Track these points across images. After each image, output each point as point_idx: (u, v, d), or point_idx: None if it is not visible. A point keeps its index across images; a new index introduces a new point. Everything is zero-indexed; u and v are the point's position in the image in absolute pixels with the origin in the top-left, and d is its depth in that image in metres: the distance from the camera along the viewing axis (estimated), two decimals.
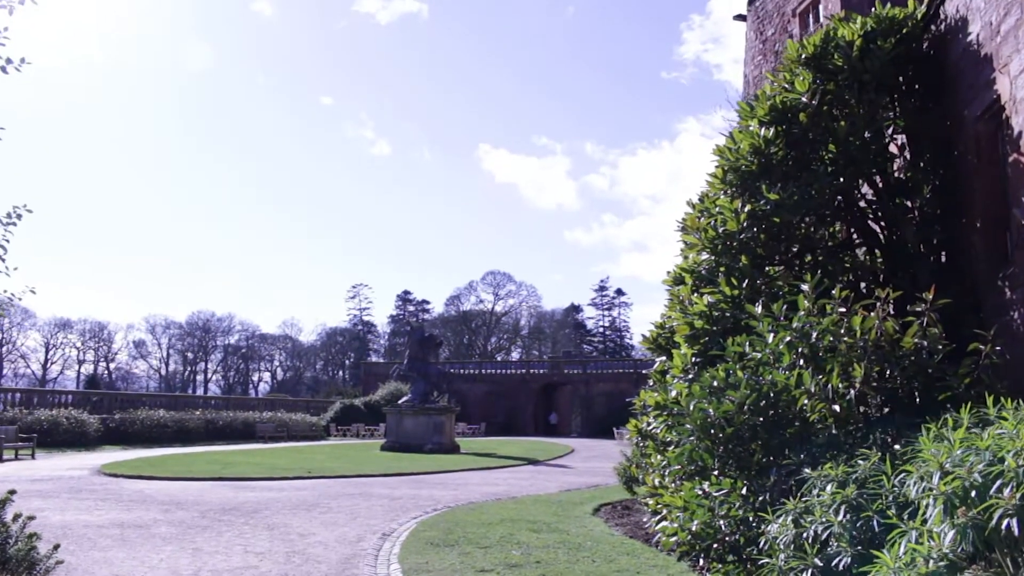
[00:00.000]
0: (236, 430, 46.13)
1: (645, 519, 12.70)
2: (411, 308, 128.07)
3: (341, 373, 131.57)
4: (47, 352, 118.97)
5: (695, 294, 9.87)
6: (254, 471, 22.39)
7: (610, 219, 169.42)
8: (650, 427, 11.40)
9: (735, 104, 12.58)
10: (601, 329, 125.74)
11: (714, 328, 9.25)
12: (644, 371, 71.40)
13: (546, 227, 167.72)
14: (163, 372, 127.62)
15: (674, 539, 8.12)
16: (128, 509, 14.23)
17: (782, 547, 5.79)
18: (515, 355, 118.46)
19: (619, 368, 75.27)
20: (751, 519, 6.89)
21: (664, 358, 11.58)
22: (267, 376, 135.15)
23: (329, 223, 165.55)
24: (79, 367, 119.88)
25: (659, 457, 10.38)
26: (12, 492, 7.95)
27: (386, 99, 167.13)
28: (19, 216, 7.89)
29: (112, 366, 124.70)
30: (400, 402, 39.08)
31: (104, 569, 9.24)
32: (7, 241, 5.61)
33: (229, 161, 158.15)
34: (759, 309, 8.13)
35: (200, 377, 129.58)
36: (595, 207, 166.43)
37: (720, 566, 7.43)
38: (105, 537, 11.21)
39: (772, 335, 7.53)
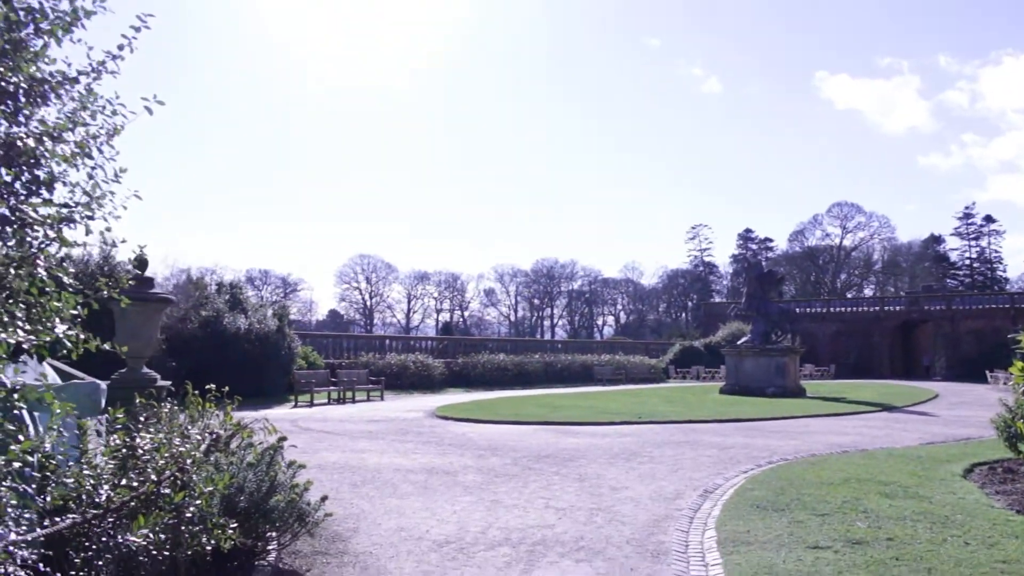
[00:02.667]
0: (574, 373, 46.54)
1: None
2: (753, 247, 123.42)
3: (683, 315, 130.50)
4: (409, 303, 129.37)
5: None
6: (581, 415, 21.77)
7: (972, 139, 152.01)
8: None
9: None
10: (967, 261, 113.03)
11: None
12: None
13: (896, 153, 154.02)
14: (512, 318, 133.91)
15: None
16: (443, 454, 13.95)
17: None
18: (867, 292, 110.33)
19: (992, 303, 66.86)
20: None
21: None
22: (610, 320, 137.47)
23: (665, 165, 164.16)
24: (437, 315, 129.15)
25: None
26: (283, 438, 7.42)
27: (713, 36, 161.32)
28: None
29: (466, 314, 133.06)
30: (739, 343, 37.00)
31: (392, 520, 8.68)
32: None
33: (565, 110, 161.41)
34: None
35: (547, 323, 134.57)
36: (953, 127, 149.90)
37: None
38: (409, 483, 10.79)
39: None
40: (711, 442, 16.19)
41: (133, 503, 4.70)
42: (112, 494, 4.84)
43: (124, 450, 5.38)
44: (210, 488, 5.47)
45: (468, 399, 29.26)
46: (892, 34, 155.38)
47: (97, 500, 4.84)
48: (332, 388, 29.13)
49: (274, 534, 6.93)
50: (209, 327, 28.85)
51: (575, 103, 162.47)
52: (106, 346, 4.54)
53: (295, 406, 26.19)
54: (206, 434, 7.47)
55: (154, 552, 4.94)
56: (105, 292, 4.80)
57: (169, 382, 9.08)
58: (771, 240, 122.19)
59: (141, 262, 9.43)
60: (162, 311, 9.45)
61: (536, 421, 20.21)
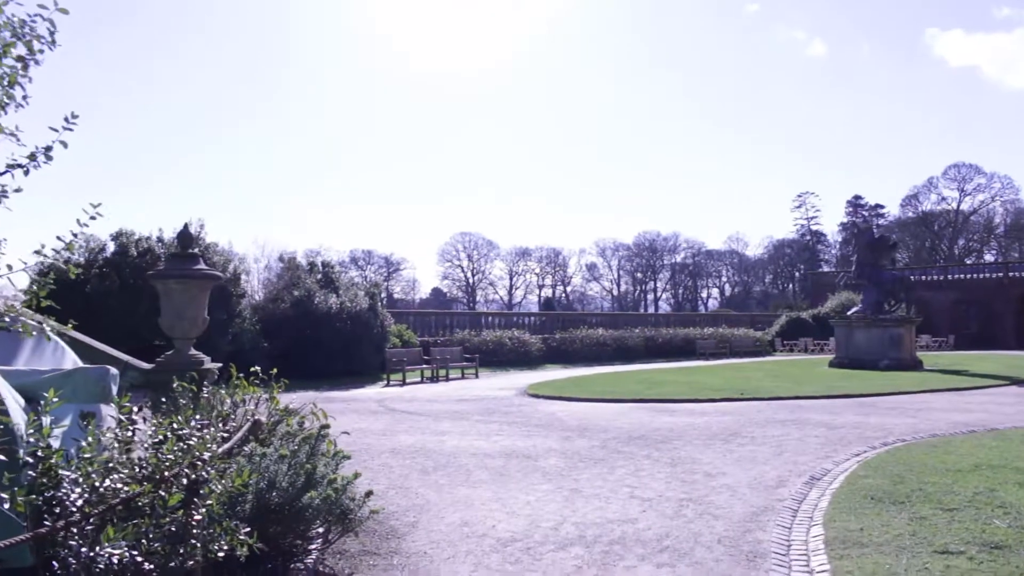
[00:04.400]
0: (676, 347, 45.14)
1: None
2: (863, 214, 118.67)
3: (791, 286, 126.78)
4: (511, 279, 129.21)
5: None
6: (680, 391, 20.62)
7: None
8: None
9: None
10: None
11: None
12: None
13: (1019, 111, 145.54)
14: (615, 293, 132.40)
15: None
16: (528, 435, 13.10)
17: None
18: (987, 258, 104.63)
19: None
20: None
21: None
22: (715, 292, 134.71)
23: (769, 132, 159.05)
24: (539, 291, 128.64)
25: None
26: (325, 426, 6.71)
27: None
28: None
29: (568, 289, 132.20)
30: (849, 313, 35.03)
31: (457, 513, 7.90)
32: None
33: (664, 80, 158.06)
34: None
35: (650, 296, 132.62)
36: None
37: None
38: (484, 469, 9.98)
39: None
40: (819, 420, 14.92)
41: (102, 509, 3.96)
42: (85, 498, 4.11)
43: (118, 445, 4.66)
44: (220, 487, 4.71)
45: (564, 376, 28.37)
46: None
47: (69, 506, 4.13)
48: (425, 366, 28.64)
49: (313, 534, 6.18)
50: (301, 307, 28.71)
51: (674, 73, 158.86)
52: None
53: (387, 385, 25.77)
54: (245, 420, 6.80)
55: (145, 566, 4.21)
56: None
57: (219, 364, 8.42)
58: (882, 206, 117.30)
59: (185, 237, 8.79)
60: (207, 289, 8.80)
61: (631, 399, 19.16)
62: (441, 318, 43.42)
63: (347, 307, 29.09)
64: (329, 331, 28.28)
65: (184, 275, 8.38)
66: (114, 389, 5.85)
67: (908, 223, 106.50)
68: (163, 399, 6.67)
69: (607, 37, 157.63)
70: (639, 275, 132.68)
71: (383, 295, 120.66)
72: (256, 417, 6.70)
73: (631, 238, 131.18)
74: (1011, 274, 66.66)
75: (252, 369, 7.25)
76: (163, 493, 4.29)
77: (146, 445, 4.81)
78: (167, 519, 4.31)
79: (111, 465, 4.51)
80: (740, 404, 18.21)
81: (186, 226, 8.83)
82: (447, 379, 28.02)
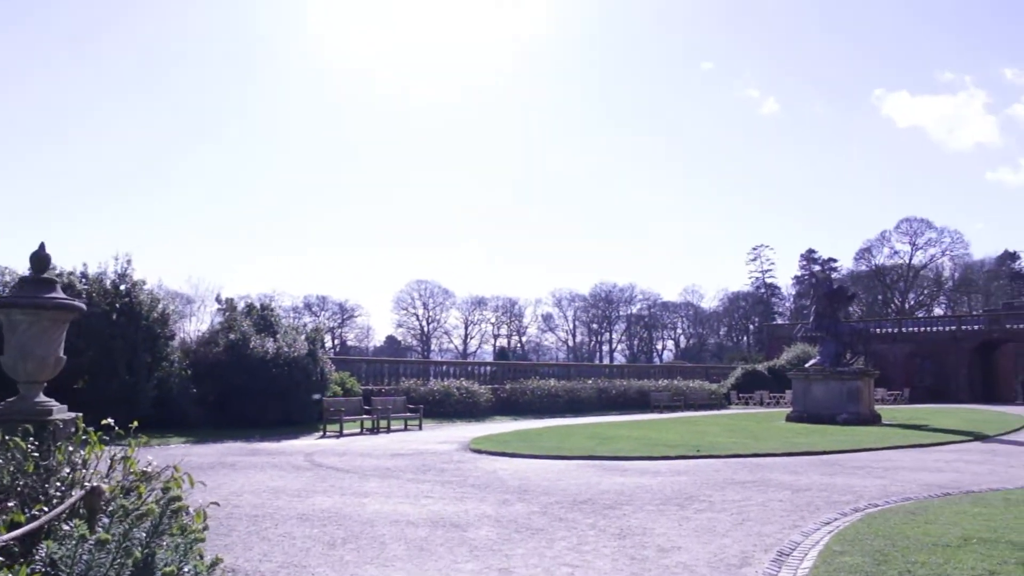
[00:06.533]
0: (630, 399, 43.92)
1: None
2: (816, 267, 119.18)
3: (745, 338, 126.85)
4: (466, 328, 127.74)
5: None
6: (632, 448, 19.30)
7: None
8: None
9: None
10: None
11: None
12: None
13: (963, 170, 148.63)
14: (570, 343, 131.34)
15: None
16: (461, 498, 11.66)
17: None
18: (937, 312, 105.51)
19: None
20: None
21: None
22: (670, 344, 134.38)
23: (725, 187, 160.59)
24: (494, 340, 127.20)
25: None
26: (175, 498, 5.25)
27: (768, 56, 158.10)
28: None
29: (524, 339, 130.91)
30: (807, 365, 34.15)
31: None
32: None
33: (621, 133, 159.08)
34: None
35: (605, 348, 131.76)
36: (1022, 141, 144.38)
37: None
38: (402, 542, 8.54)
39: None
40: (782, 482, 13.71)
41: None
42: None
43: None
44: None
45: (511, 428, 26.92)
46: (952, 49, 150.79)
47: None
48: (366, 417, 27.04)
49: None
50: (235, 351, 27.07)
51: (631, 127, 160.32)
52: None
53: (322, 436, 24.16)
54: (74, 491, 5.38)
55: None
56: None
57: (74, 414, 6.94)
58: (835, 260, 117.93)
59: (39, 260, 7.26)
60: (64, 322, 7.33)
61: (580, 456, 17.76)
62: (393, 366, 41.79)
63: (284, 352, 27.48)
64: (265, 377, 26.65)
65: (34, 304, 6.91)
66: None
67: (861, 276, 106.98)
68: None
69: (566, 87, 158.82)
70: (595, 326, 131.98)
71: (336, 341, 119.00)
72: (94, 484, 5.30)
73: (587, 289, 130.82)
74: (963, 328, 66.78)
75: (132, 423, 5.86)
76: None
77: None
78: None
79: None
80: (696, 462, 16.95)
81: (42, 246, 7.28)
82: (388, 431, 26.45)
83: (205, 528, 5.39)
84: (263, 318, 29.84)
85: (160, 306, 25.38)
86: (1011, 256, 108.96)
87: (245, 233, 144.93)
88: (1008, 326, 63.71)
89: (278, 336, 28.39)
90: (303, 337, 29.51)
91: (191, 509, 5.46)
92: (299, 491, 12.18)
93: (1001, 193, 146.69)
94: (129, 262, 24.55)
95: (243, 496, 11.59)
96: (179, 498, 5.01)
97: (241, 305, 31.05)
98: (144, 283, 25.01)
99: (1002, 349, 66.58)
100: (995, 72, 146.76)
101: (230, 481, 13.29)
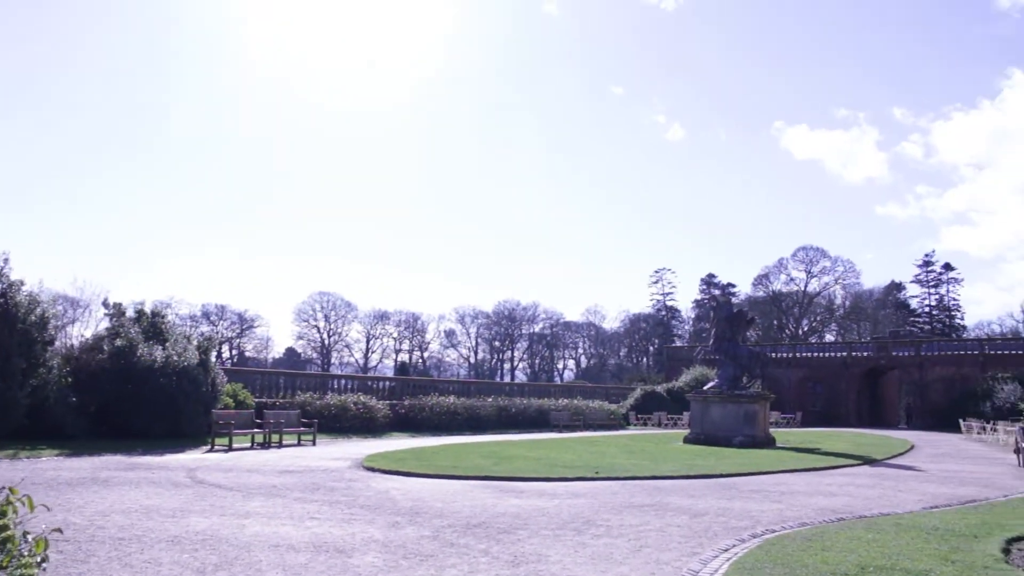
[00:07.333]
0: (529, 418, 43.67)
1: None
2: (715, 291, 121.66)
3: (645, 360, 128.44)
4: (367, 342, 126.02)
5: None
6: (530, 468, 18.93)
7: (926, 190, 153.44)
8: None
9: None
10: (927, 308, 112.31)
11: None
12: (995, 351, 61.59)
13: (855, 203, 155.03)
14: (472, 360, 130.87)
15: None
16: (348, 520, 11.06)
17: None
18: (828, 338, 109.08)
19: (961, 349, 65.21)
20: None
21: None
22: (571, 363, 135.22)
23: (629, 210, 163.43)
24: (396, 356, 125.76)
25: None
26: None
27: (676, 84, 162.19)
28: None
29: (426, 355, 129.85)
30: (705, 388, 34.47)
31: None
32: None
33: (530, 154, 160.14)
34: None
35: (507, 365, 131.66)
36: (909, 178, 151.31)
37: None
38: (279, 569, 7.92)
39: None
40: (680, 506, 13.50)
41: None
42: None
43: None
44: None
45: (407, 446, 26.28)
46: (847, 86, 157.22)
47: None
48: (257, 431, 26.04)
49: None
50: (122, 358, 25.75)
51: (541, 147, 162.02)
52: None
53: (210, 450, 23.12)
54: None
55: None
56: None
57: None
58: (734, 285, 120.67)
59: None
60: None
61: (476, 476, 17.30)
62: (289, 379, 40.49)
63: (174, 361, 26.27)
64: (152, 387, 25.41)
65: None
66: None
67: (758, 302, 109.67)
68: None
69: (476, 106, 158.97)
70: (497, 343, 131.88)
71: (233, 352, 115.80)
72: None
73: (491, 306, 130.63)
74: (853, 354, 68.87)
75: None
76: None
77: None
78: None
79: None
80: (595, 484, 16.67)
81: None
82: (281, 445, 25.51)
83: (44, 560, 4.74)
84: (153, 325, 28.53)
85: (39, 309, 23.92)
86: (897, 286, 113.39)
87: (142, 238, 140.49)
88: (894, 353, 65.99)
89: (168, 344, 27.15)
90: (194, 345, 28.29)
91: (30, 537, 4.80)
92: (174, 511, 11.40)
93: (890, 227, 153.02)
94: (7, 260, 23.14)
95: (111, 516, 10.73)
96: (6, 527, 4.36)
97: (131, 311, 29.56)
98: (23, 283, 23.58)
99: (888, 376, 68.98)
100: (886, 111, 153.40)
101: (99, 499, 12.37)
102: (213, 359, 30.84)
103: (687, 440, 31.54)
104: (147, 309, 30.12)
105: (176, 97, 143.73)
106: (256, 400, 32.62)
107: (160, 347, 26.62)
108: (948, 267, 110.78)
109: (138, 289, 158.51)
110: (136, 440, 23.86)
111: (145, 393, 25.28)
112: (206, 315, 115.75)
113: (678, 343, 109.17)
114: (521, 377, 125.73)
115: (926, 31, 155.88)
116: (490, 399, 44.00)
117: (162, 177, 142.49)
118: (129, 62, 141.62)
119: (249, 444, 25.19)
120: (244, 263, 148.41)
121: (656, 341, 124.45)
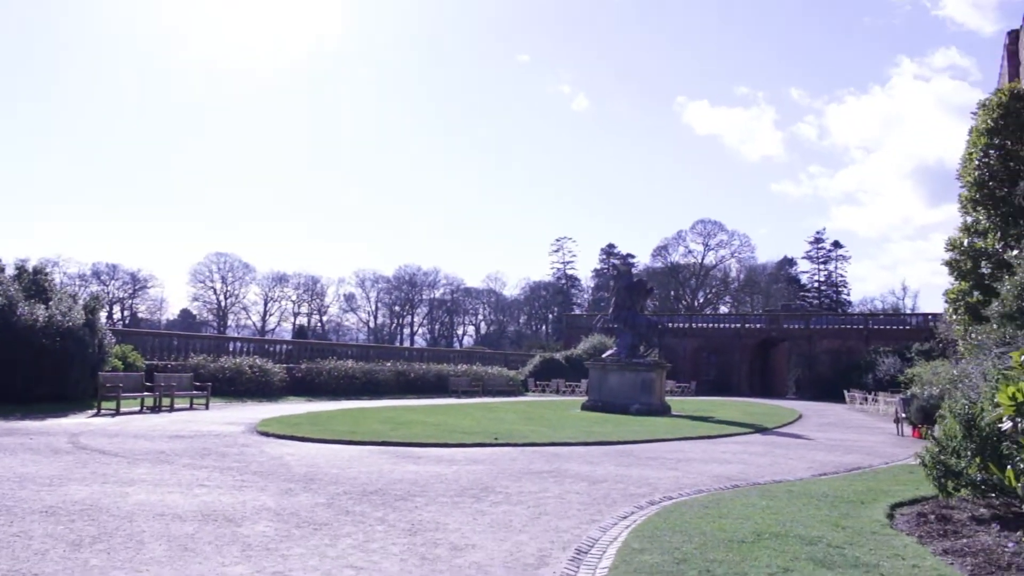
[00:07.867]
0: (429, 383, 43.45)
1: (998, 541, 7.83)
2: (615, 261, 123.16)
3: (544, 327, 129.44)
4: (265, 305, 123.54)
5: None
6: (428, 434, 18.78)
7: (818, 170, 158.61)
8: None
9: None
10: (816, 284, 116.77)
11: None
12: (877, 326, 64.25)
13: (752, 179, 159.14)
14: (371, 325, 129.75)
15: None
16: (239, 487, 10.70)
17: None
18: (723, 309, 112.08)
19: (847, 323, 67.88)
20: None
21: None
22: (471, 330, 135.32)
23: (532, 178, 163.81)
24: (295, 319, 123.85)
25: None
26: None
27: (582, 54, 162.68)
28: None
29: (325, 319, 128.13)
30: (604, 356, 34.80)
31: None
32: None
33: (433, 121, 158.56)
34: None
35: (407, 330, 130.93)
36: (804, 158, 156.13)
37: None
38: (164, 540, 7.54)
39: None
40: (578, 472, 13.52)
41: None
42: None
43: None
44: None
45: (304, 410, 25.76)
46: (748, 65, 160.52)
47: None
48: (147, 394, 25.15)
49: None
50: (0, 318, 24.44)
51: (446, 113, 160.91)
52: None
53: (96, 414, 22.20)
54: None
55: None
56: None
57: None
58: (633, 256, 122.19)
59: None
60: None
61: (374, 441, 17.04)
62: (183, 341, 39.27)
63: (58, 321, 25.05)
64: (34, 348, 24.17)
65: None
66: None
67: (657, 273, 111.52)
68: None
69: (378, 67, 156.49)
70: (397, 308, 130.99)
71: (126, 313, 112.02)
72: None
73: (392, 271, 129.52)
74: (746, 326, 70.78)
75: None
76: None
77: None
78: None
79: None
80: (493, 451, 16.60)
81: None
82: (172, 409, 24.69)
83: None
84: (35, 283, 27.17)
85: None
86: (789, 262, 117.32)
87: (29, 196, 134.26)
88: (785, 326, 68.14)
89: (51, 304, 25.90)
90: (80, 305, 27.08)
91: None
92: (52, 479, 10.81)
93: (784, 204, 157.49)
94: None
95: None
96: None
97: (11, 268, 28.08)
98: None
99: (779, 347, 71.15)
100: (784, 91, 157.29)
101: None
102: (102, 319, 29.61)
103: (585, 407, 31.83)
104: (29, 267, 28.70)
105: (67, 51, 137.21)
106: (147, 362, 31.55)
107: (43, 306, 25.37)
108: (837, 244, 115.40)
109: (23, 246, 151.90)
110: (15, 404, 22.68)
111: (26, 354, 24.05)
112: (96, 274, 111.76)
113: (577, 311, 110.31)
114: (421, 342, 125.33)
115: (824, 16, 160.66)
116: (389, 364, 43.59)
117: (55, 134, 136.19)
118: (15, 17, 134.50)
119: (138, 408, 24.31)
120: (139, 224, 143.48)
121: (556, 309, 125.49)
